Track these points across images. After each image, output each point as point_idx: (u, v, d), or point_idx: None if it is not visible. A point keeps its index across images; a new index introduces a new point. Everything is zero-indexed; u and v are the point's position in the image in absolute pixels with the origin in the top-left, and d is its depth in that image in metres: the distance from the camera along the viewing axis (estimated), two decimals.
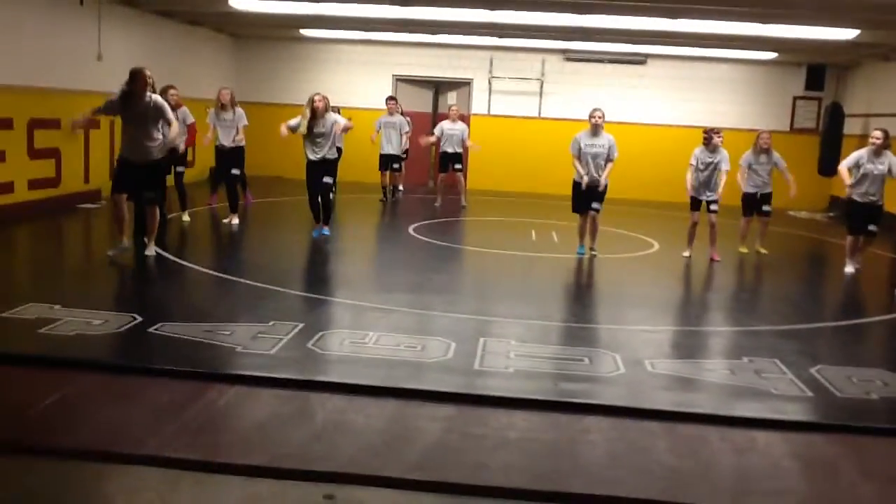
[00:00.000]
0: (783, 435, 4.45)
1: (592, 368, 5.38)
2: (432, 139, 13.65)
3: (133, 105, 7.65)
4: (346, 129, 9.66)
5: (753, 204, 10.18)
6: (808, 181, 15.40)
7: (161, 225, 8.48)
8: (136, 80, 7.62)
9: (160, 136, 7.90)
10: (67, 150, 11.44)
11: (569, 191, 9.55)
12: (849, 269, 9.34)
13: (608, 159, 9.19)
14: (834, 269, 10.36)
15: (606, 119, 9.39)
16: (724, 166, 9.45)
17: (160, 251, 8.22)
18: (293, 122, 9.48)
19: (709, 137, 9.49)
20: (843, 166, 9.13)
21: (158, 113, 7.74)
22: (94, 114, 8.25)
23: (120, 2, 12.44)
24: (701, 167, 9.49)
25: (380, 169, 13.75)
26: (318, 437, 4.11)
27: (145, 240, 8.16)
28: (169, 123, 7.86)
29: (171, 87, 9.74)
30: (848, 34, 11.61)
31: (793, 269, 10.41)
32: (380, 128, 13.61)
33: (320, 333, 5.75)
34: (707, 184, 9.53)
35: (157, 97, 7.82)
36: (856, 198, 9.10)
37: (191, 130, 10.06)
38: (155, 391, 4.58)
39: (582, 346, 5.99)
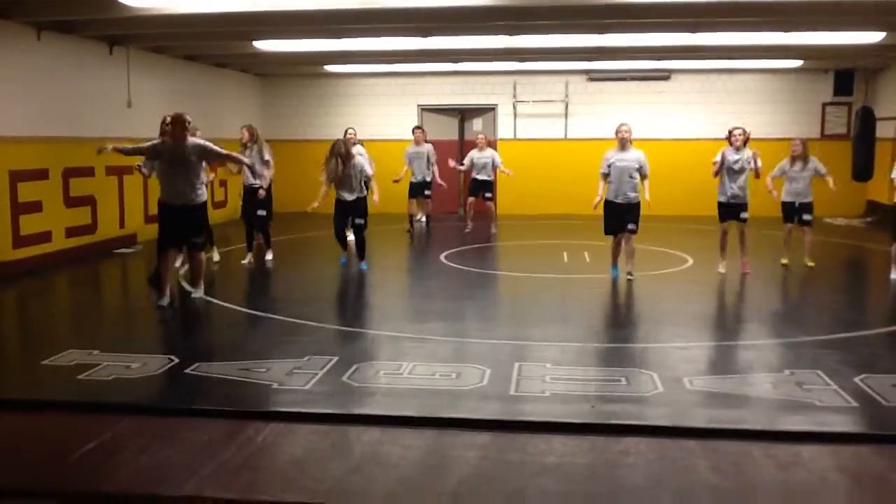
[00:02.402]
0: (829, 448, 4.34)
1: (630, 389, 5.31)
2: (462, 168, 13.62)
3: (176, 150, 7.74)
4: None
5: (793, 212, 9.99)
6: (844, 187, 15.08)
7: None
8: (176, 125, 7.73)
9: (204, 179, 8.03)
10: (102, 197, 11.66)
11: (597, 210, 9.45)
12: (894, 275, 9.14)
13: (642, 175, 9.06)
14: (874, 275, 10.18)
15: (634, 136, 9.28)
16: (753, 164, 9.21)
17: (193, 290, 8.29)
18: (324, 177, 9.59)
19: (728, 137, 9.38)
20: None
21: (203, 153, 7.83)
22: (133, 152, 8.21)
23: (148, 48, 12.72)
24: (729, 165, 9.28)
25: (410, 196, 13.80)
26: (356, 471, 4.10)
27: (184, 283, 8.25)
28: (219, 156, 7.98)
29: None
30: (874, 37, 11.47)
31: (832, 277, 10.23)
32: (410, 161, 13.64)
33: (355, 366, 5.76)
34: (733, 185, 9.33)
35: (196, 139, 7.94)
36: None
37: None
38: (193, 431, 4.61)
39: (618, 366, 5.93)
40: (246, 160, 8.65)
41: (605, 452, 4.32)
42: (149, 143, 8.03)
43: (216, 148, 7.94)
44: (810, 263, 10.04)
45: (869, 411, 4.86)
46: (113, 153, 8.11)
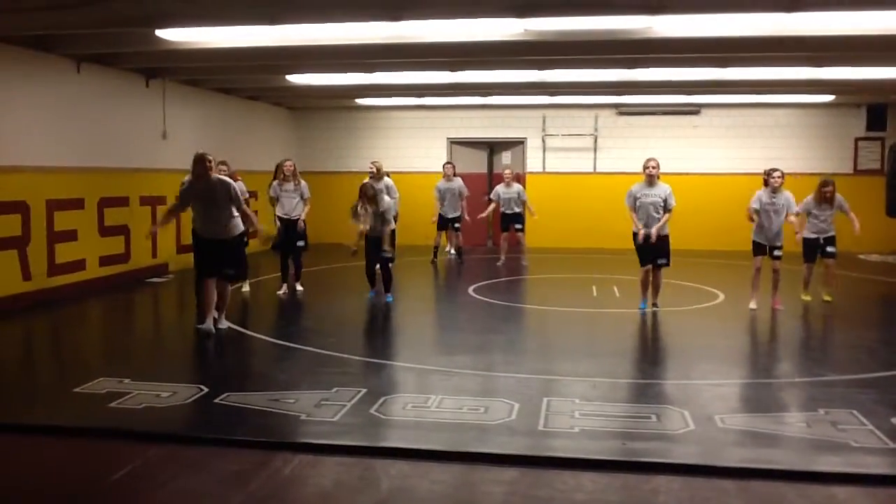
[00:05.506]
0: (865, 490, 4.26)
1: (660, 426, 5.25)
2: (490, 207, 13.72)
3: (202, 188, 7.89)
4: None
5: (815, 248, 9.82)
6: (876, 223, 15.01)
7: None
8: (199, 164, 7.87)
9: (236, 214, 8.07)
10: (136, 227, 11.81)
11: (626, 244, 9.46)
12: None
13: (665, 209, 9.06)
14: None
15: (663, 170, 9.27)
16: (792, 208, 9.22)
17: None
18: (360, 224, 9.82)
19: (766, 179, 9.33)
20: None
21: (227, 192, 7.92)
22: (171, 213, 8.56)
23: (183, 81, 12.96)
24: (766, 209, 9.23)
25: (438, 228, 13.87)
26: None
27: (215, 314, 8.27)
28: (238, 206, 7.98)
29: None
30: None
31: (866, 315, 10.07)
32: (442, 196, 13.71)
33: (383, 398, 5.75)
34: (771, 227, 9.27)
35: (222, 177, 8.06)
36: None
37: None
38: (222, 461, 4.63)
39: (649, 402, 5.87)
40: (253, 218, 8.46)
41: (635, 490, 4.26)
42: (182, 190, 8.22)
43: (239, 198, 7.99)
44: (828, 298, 9.88)
45: None
46: (162, 227, 8.54)
